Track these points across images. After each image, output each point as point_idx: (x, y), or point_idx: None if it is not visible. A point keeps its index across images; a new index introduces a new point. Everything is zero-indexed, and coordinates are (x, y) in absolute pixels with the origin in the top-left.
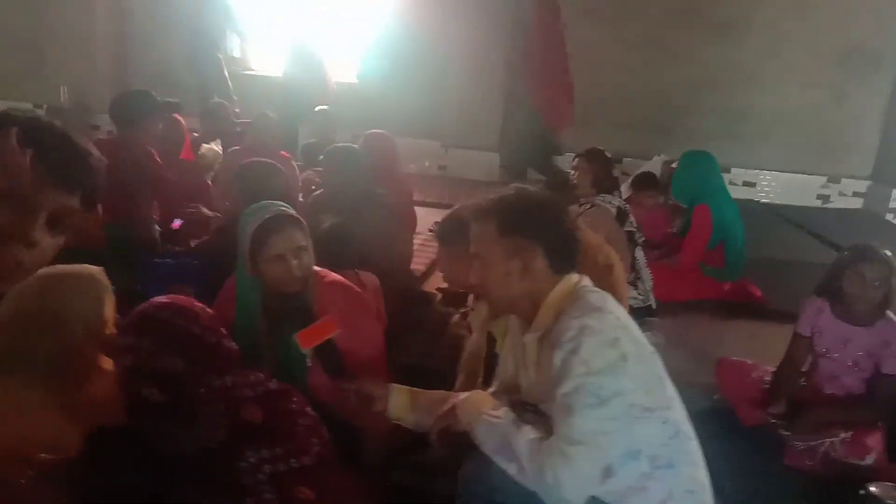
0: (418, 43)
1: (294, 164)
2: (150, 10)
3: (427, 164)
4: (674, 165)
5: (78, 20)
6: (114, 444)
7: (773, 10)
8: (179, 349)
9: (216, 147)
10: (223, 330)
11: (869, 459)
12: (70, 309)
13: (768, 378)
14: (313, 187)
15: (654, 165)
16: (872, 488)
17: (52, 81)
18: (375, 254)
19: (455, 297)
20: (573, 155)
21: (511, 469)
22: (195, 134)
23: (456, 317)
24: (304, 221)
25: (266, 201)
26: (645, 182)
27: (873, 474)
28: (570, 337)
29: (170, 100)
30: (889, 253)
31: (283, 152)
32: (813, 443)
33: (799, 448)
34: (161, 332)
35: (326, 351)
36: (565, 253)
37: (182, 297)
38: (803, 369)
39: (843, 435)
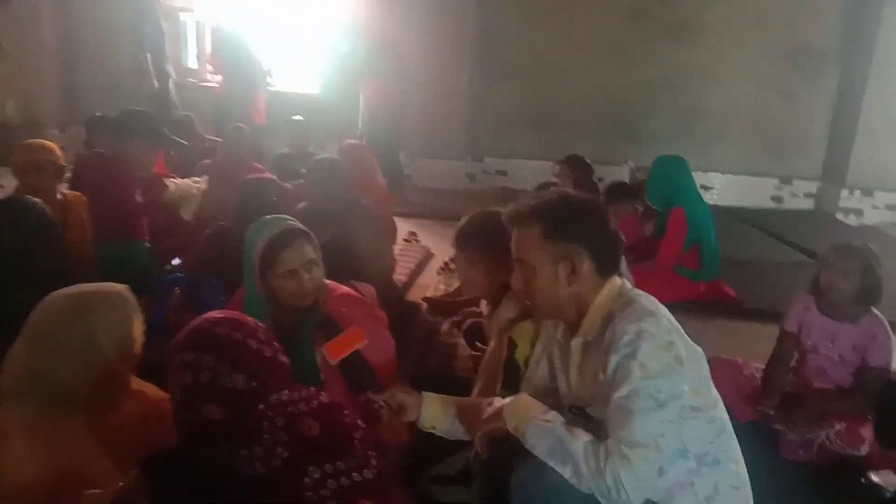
0: (381, 52)
1: (268, 175)
2: (98, 22)
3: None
4: (638, 174)
5: (23, 34)
6: (170, 472)
7: (725, 11)
8: (241, 365)
9: (180, 182)
10: (276, 343)
11: (864, 449)
12: (101, 330)
13: (759, 375)
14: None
15: (623, 172)
16: (874, 477)
17: None
18: (365, 265)
19: (442, 307)
20: (554, 161)
21: (566, 472)
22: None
23: (445, 326)
24: (312, 234)
25: (271, 216)
26: (619, 191)
27: (868, 463)
28: (627, 341)
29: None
30: (871, 248)
31: (256, 164)
32: (808, 435)
33: (795, 441)
34: (222, 348)
35: (354, 362)
36: (610, 255)
37: (234, 311)
38: (791, 365)
39: (837, 426)
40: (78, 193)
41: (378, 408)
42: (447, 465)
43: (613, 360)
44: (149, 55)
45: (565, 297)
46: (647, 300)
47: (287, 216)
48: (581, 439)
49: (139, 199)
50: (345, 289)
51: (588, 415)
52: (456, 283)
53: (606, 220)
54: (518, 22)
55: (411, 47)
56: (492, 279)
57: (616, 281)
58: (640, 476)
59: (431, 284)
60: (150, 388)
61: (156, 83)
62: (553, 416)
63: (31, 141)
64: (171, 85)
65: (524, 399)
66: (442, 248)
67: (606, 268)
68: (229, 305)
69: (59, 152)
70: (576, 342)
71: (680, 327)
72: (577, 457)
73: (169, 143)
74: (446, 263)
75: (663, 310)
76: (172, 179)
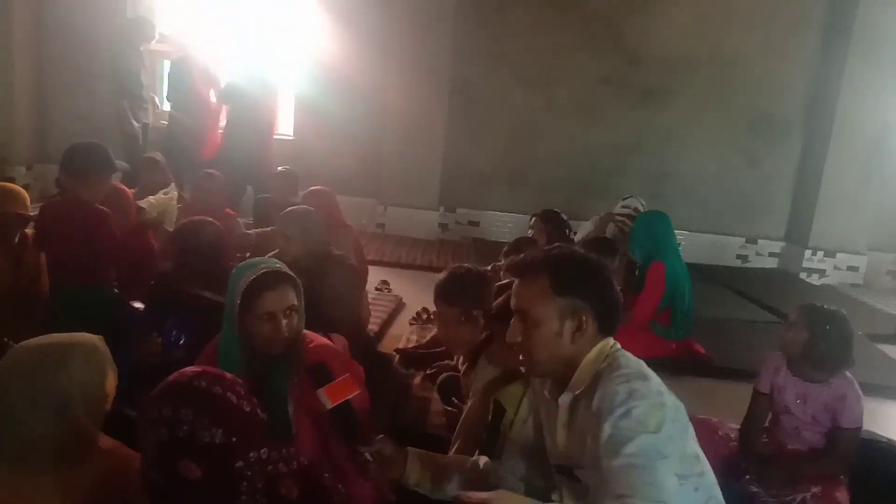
0: (356, 100)
1: (239, 221)
2: (71, 60)
3: (364, 221)
4: (606, 220)
5: None
6: None
7: (693, 78)
8: (220, 419)
9: (153, 199)
10: (254, 399)
11: None
12: (72, 385)
13: (733, 435)
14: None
15: (588, 226)
16: None
17: None
18: (338, 316)
19: (415, 358)
20: (530, 216)
21: None
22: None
23: (418, 379)
24: (299, 281)
25: (261, 258)
26: (601, 248)
27: None
28: (619, 401)
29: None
30: (840, 312)
31: (227, 210)
32: (784, 499)
33: None
34: (201, 401)
35: (344, 412)
36: (612, 316)
37: (211, 367)
38: (766, 426)
39: (813, 489)
40: (30, 233)
41: (364, 461)
42: None
43: (608, 424)
44: (125, 101)
45: (563, 354)
46: (636, 361)
47: (277, 261)
48: None
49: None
50: (322, 339)
51: (576, 477)
52: (429, 334)
53: (612, 282)
54: (494, 80)
55: (387, 97)
56: (473, 336)
57: (609, 340)
58: None
59: (403, 334)
60: (119, 447)
61: (135, 123)
62: None
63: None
64: (143, 130)
65: (509, 498)
66: (414, 298)
67: (607, 329)
68: (203, 351)
69: (27, 202)
70: (564, 398)
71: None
72: None
73: (115, 168)
74: (419, 313)
75: (647, 369)
76: (146, 199)
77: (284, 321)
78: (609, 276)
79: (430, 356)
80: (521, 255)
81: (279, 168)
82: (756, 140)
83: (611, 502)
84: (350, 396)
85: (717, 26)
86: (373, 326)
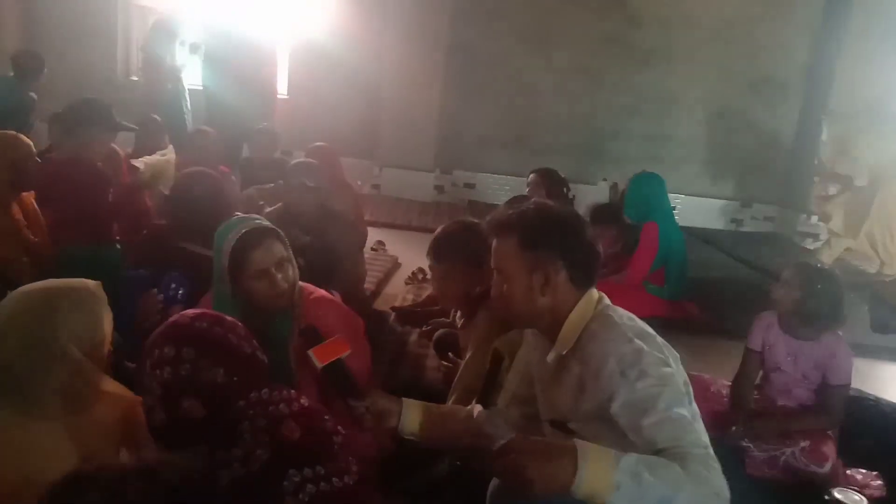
0: (353, 59)
1: (234, 179)
2: (62, 22)
3: (360, 182)
4: (614, 190)
5: None
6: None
7: (692, 40)
8: (221, 359)
9: (148, 159)
10: (254, 342)
11: (827, 466)
12: (66, 328)
13: (725, 392)
14: (262, 203)
15: (601, 190)
16: (836, 493)
17: None
18: (337, 273)
19: (411, 316)
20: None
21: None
22: (128, 150)
23: (414, 336)
24: (281, 232)
25: (239, 216)
26: (605, 214)
27: (831, 480)
28: (629, 362)
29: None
30: (832, 271)
31: (222, 167)
32: (773, 452)
33: (760, 458)
34: (203, 342)
35: (338, 370)
36: (586, 267)
37: (211, 310)
38: (756, 383)
39: (802, 444)
40: (29, 194)
41: (359, 414)
42: (419, 477)
43: (624, 386)
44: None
45: (540, 307)
46: (628, 318)
47: (255, 216)
48: (669, 468)
49: (110, 198)
50: (321, 292)
51: (569, 429)
52: (424, 293)
53: (583, 232)
54: (492, 40)
55: (385, 57)
56: (468, 290)
57: (593, 294)
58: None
59: (399, 294)
60: (123, 390)
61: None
62: (626, 464)
63: (8, 133)
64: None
65: (594, 453)
66: (409, 258)
67: (582, 280)
68: (199, 305)
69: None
70: (551, 356)
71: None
72: (682, 484)
73: (120, 127)
74: (414, 273)
75: (642, 323)
76: (140, 159)
77: (279, 275)
78: (581, 227)
79: (425, 314)
80: (495, 214)
81: (258, 127)
82: (754, 103)
83: (663, 456)
84: (342, 356)
85: None
86: (368, 286)
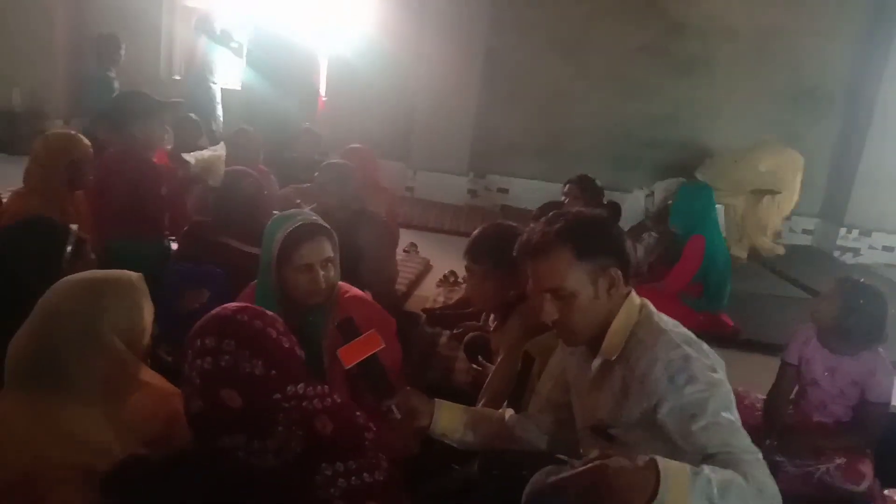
0: (390, 63)
1: (272, 178)
2: (109, 16)
3: (393, 185)
4: (650, 200)
5: (37, 26)
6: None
7: (732, 50)
8: (260, 351)
9: (198, 154)
10: (293, 337)
11: (863, 485)
12: (107, 318)
13: (759, 405)
14: (299, 201)
15: (636, 199)
16: None
17: (3, 84)
18: (369, 273)
19: (442, 318)
20: (564, 182)
21: None
22: (167, 148)
23: (444, 338)
24: (334, 234)
25: (295, 210)
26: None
27: (867, 500)
28: (678, 368)
29: (175, 100)
30: (876, 288)
31: (261, 167)
32: (808, 468)
33: (794, 474)
34: (243, 334)
35: (371, 367)
36: (630, 263)
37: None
38: (792, 398)
39: (837, 461)
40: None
41: (389, 412)
42: (447, 479)
43: (672, 392)
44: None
45: (601, 314)
46: (673, 324)
47: (311, 212)
48: (733, 478)
49: (163, 192)
50: (356, 291)
51: (610, 436)
52: (456, 296)
53: (621, 231)
54: (528, 46)
55: (421, 61)
56: (504, 293)
57: (634, 299)
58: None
59: (431, 296)
60: (161, 380)
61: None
62: (700, 486)
63: (69, 133)
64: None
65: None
66: (441, 261)
67: (628, 276)
68: (240, 298)
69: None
70: (596, 363)
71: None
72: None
73: (166, 108)
74: (446, 276)
75: (685, 330)
76: (192, 153)
77: (322, 272)
78: (617, 227)
79: (456, 316)
80: (525, 237)
81: (303, 126)
82: (795, 115)
83: (713, 461)
84: (374, 352)
85: None
86: (400, 287)
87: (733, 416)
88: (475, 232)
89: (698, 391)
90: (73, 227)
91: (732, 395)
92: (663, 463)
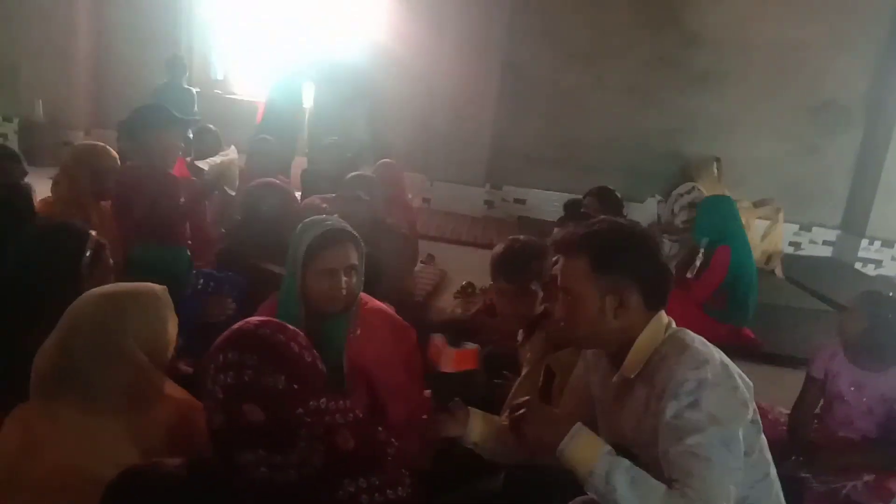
0: (407, 73)
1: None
2: (129, 28)
3: (410, 196)
4: (661, 199)
5: (58, 37)
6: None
7: (749, 63)
8: (283, 366)
9: (211, 161)
10: (315, 351)
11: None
12: (131, 330)
13: (783, 420)
14: (325, 206)
15: (649, 207)
16: None
17: (26, 96)
18: (387, 284)
19: (460, 331)
20: (583, 195)
21: None
22: (186, 159)
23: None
24: (361, 242)
25: (325, 216)
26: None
27: None
28: (688, 390)
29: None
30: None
31: (281, 176)
32: (834, 485)
33: (820, 491)
34: (266, 348)
35: (455, 380)
36: (659, 289)
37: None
38: (817, 412)
39: (865, 478)
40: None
41: (438, 422)
42: (470, 493)
43: (672, 409)
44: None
45: (609, 329)
46: (701, 343)
47: (339, 219)
48: (659, 482)
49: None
50: (378, 303)
51: (632, 453)
52: (473, 308)
53: (656, 253)
54: (546, 58)
55: (438, 72)
56: (533, 309)
57: (663, 318)
58: None
59: (448, 307)
60: (183, 393)
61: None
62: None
63: (96, 144)
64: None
65: (588, 437)
66: (458, 272)
67: (654, 302)
68: (262, 308)
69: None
70: (616, 378)
71: (733, 365)
72: (657, 497)
73: (186, 123)
74: (463, 287)
75: (716, 351)
76: (204, 160)
77: (344, 279)
78: (654, 248)
79: (474, 328)
80: (563, 232)
81: (329, 139)
82: (814, 127)
83: (685, 489)
84: (467, 369)
85: (779, 11)
86: (417, 299)
87: (721, 458)
88: (500, 249)
89: (695, 419)
90: (93, 232)
91: (737, 440)
92: (586, 431)
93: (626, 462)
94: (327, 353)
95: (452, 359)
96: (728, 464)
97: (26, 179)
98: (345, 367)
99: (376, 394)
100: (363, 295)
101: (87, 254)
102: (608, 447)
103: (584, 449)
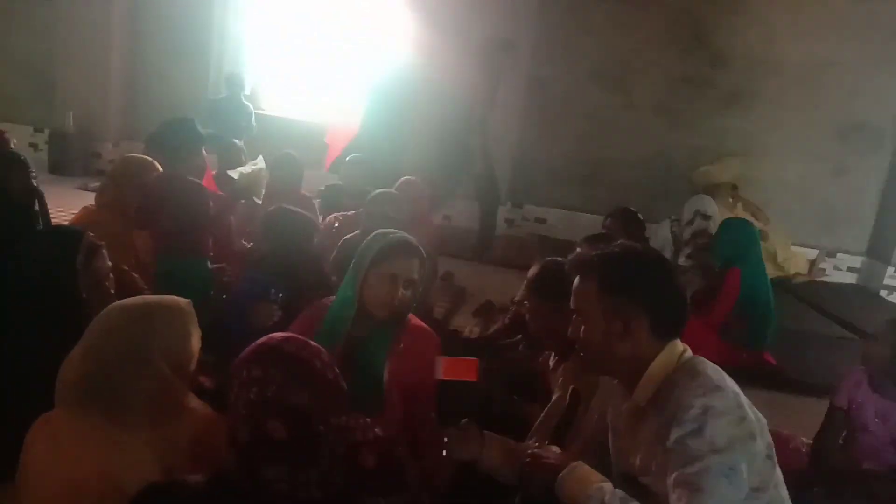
0: (430, 89)
1: (314, 203)
2: (163, 42)
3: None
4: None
5: (93, 49)
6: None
7: (779, 82)
8: (305, 383)
9: (242, 170)
10: (336, 370)
11: None
12: (155, 343)
13: (804, 449)
14: (337, 224)
15: (664, 228)
16: None
17: (59, 107)
18: None
19: (479, 349)
20: (605, 216)
21: None
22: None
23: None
24: (426, 262)
25: (396, 230)
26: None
27: None
28: (692, 416)
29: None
30: None
31: (302, 192)
32: None
33: None
34: (290, 364)
35: (453, 390)
36: (670, 318)
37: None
38: (840, 442)
39: None
40: None
41: (444, 440)
42: None
43: (675, 434)
44: None
45: (619, 355)
46: (714, 371)
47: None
48: None
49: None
50: (419, 321)
51: (641, 484)
52: (493, 326)
53: (671, 279)
54: (570, 76)
55: (462, 87)
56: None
57: (677, 346)
58: None
59: (467, 325)
60: (205, 407)
61: None
62: (612, 492)
63: (145, 157)
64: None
65: (584, 470)
66: (477, 291)
67: (665, 331)
68: (303, 315)
69: None
70: (627, 405)
71: (746, 399)
72: None
73: (207, 138)
74: (483, 305)
75: (729, 381)
76: (235, 170)
77: (401, 289)
78: (668, 274)
79: (494, 347)
80: (579, 253)
81: (351, 156)
82: (843, 149)
83: None
84: (465, 379)
85: (810, 30)
86: (436, 317)
87: (719, 489)
88: (536, 269)
89: (696, 447)
90: (89, 234)
91: (738, 472)
92: (583, 467)
93: (620, 493)
94: (370, 364)
95: (442, 366)
96: (726, 495)
97: (41, 186)
98: (384, 379)
99: (411, 410)
100: (411, 315)
101: (79, 256)
102: (599, 484)
103: (579, 482)
